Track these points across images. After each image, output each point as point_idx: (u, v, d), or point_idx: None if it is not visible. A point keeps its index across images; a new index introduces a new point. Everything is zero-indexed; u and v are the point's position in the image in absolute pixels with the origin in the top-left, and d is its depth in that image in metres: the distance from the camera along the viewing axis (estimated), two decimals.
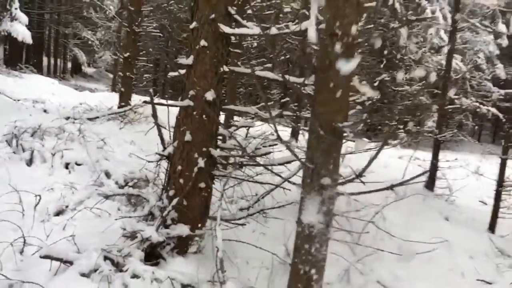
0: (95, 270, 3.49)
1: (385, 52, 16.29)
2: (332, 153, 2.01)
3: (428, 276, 5.35)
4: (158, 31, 13.38)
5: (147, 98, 4.74)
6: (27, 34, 11.78)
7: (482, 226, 8.73)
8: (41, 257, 3.48)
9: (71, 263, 3.52)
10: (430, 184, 10.66)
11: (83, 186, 5.19)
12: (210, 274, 3.81)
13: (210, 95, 4.01)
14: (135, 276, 3.57)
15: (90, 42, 23.14)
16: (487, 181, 10.00)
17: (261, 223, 5.15)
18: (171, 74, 4.72)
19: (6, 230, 4.11)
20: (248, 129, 6.62)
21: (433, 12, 20.80)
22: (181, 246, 4.12)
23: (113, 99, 11.36)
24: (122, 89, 9.55)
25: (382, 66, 13.87)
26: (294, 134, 11.29)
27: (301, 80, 3.64)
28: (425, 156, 13.46)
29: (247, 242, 4.39)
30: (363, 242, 5.61)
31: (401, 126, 16.76)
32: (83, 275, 3.46)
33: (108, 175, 5.65)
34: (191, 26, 4.01)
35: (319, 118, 1.96)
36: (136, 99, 10.64)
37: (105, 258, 3.61)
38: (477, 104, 15.95)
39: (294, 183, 3.49)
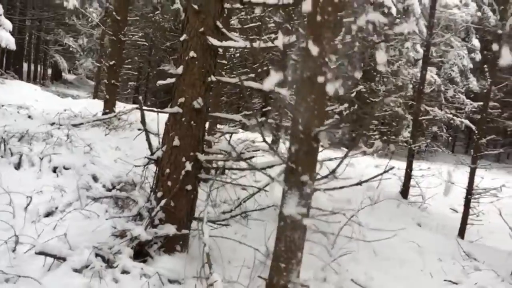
0: (87, 266, 3.71)
1: (362, 64, 16.86)
2: (310, 155, 2.32)
3: (400, 276, 5.70)
4: (142, 40, 13.60)
5: (131, 105, 4.99)
6: (11, 40, 11.83)
7: (452, 232, 9.21)
8: (36, 253, 3.67)
9: (64, 259, 3.72)
10: (404, 192, 11.15)
11: (71, 189, 5.36)
12: (196, 271, 4.07)
13: (198, 103, 4.30)
14: (125, 271, 3.79)
15: (71, 49, 23.12)
16: (459, 190, 10.52)
17: (243, 225, 5.42)
18: (160, 82, 4.97)
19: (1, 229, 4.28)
20: (231, 136, 6.92)
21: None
22: (168, 245, 4.35)
23: (96, 106, 11.50)
24: (107, 96, 9.73)
25: (359, 77, 14.40)
26: (275, 142, 11.60)
27: (284, 90, 3.96)
28: (400, 165, 13.97)
29: (232, 239, 4.65)
30: (339, 245, 5.96)
31: (378, 136, 17.36)
32: (75, 270, 3.67)
33: (95, 178, 5.84)
34: (181, 38, 4.30)
35: (300, 124, 2.27)
36: (120, 106, 10.82)
37: (96, 255, 3.83)
38: (451, 115, 16.67)
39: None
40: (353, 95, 9.88)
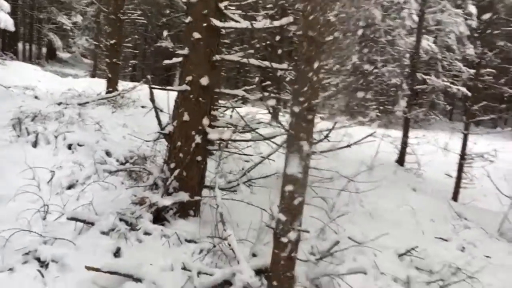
0: (113, 229, 4.25)
1: (360, 33, 17.12)
2: (308, 123, 2.80)
3: (394, 235, 6.26)
4: (141, 18, 13.84)
5: (133, 83, 5.44)
6: (9, 21, 12.06)
7: (446, 195, 9.81)
8: (68, 218, 4.21)
9: (92, 224, 4.26)
10: (400, 160, 11.71)
11: (88, 163, 5.87)
12: (210, 232, 4.63)
13: (204, 81, 4.75)
14: (146, 233, 4.34)
15: (65, 27, 23.23)
16: (454, 157, 11.07)
17: (249, 193, 5.95)
18: (166, 62, 5.41)
19: (26, 202, 4.81)
20: (232, 110, 7.39)
21: None
22: (182, 210, 4.90)
23: (98, 84, 11.89)
24: (109, 75, 10.12)
25: (357, 47, 14.74)
26: (274, 115, 12.08)
27: (284, 66, 4.42)
28: (398, 134, 14.48)
29: (241, 200, 5.18)
30: (337, 208, 6.52)
31: (375, 106, 17.80)
32: (103, 233, 4.22)
33: (108, 154, 6.34)
34: (187, 21, 4.72)
35: (299, 98, 2.74)
36: (121, 84, 11.22)
37: (120, 219, 4.37)
38: (448, 83, 17.08)
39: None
40: (349, 67, 10.28)
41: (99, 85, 11.91)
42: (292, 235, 2.92)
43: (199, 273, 3.43)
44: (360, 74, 11.60)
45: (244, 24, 4.47)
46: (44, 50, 26.24)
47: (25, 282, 3.64)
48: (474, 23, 21.62)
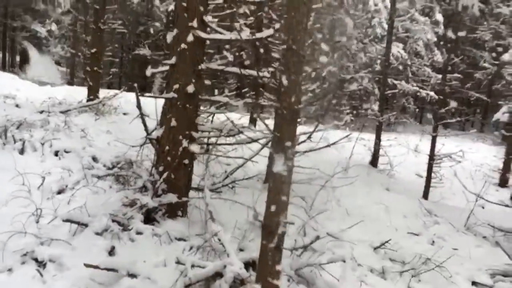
0: (106, 230, 4.46)
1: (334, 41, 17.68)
2: (292, 125, 3.11)
3: (369, 230, 6.66)
4: (121, 27, 13.91)
5: (114, 91, 5.66)
6: None
7: (417, 194, 10.31)
8: (63, 220, 4.40)
9: (86, 225, 4.46)
10: (373, 161, 12.19)
11: (76, 169, 6.04)
12: (197, 231, 4.89)
13: (190, 89, 5.02)
14: (138, 233, 4.57)
15: (39, 35, 23.02)
16: (424, 158, 11.61)
17: (232, 193, 6.23)
18: (152, 70, 5.65)
19: (18, 207, 4.95)
20: (213, 116, 7.67)
21: (375, 3, 22.49)
22: (171, 211, 5.14)
23: (79, 92, 11.95)
24: (90, 83, 10.24)
25: (330, 56, 15.23)
26: (252, 121, 12.38)
27: (265, 74, 4.73)
28: (371, 137, 15.00)
29: (228, 199, 5.45)
30: (316, 206, 6.87)
31: (349, 110, 18.37)
32: (97, 233, 4.42)
33: (95, 159, 6.52)
34: (174, 33, 4.99)
35: (284, 103, 3.06)
36: (101, 92, 11.32)
37: (113, 220, 4.58)
38: (417, 88, 17.80)
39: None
40: (323, 74, 10.72)
41: (79, 93, 11.96)
42: (279, 228, 3.22)
43: (192, 266, 3.69)
44: (334, 80, 12.07)
45: (228, 35, 4.78)
46: (17, 58, 25.86)
47: (25, 282, 3.82)
48: (441, 31, 22.63)
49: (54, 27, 21.88)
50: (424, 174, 11.10)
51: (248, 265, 3.90)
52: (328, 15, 12.69)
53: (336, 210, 7.33)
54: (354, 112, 18.78)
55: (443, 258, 5.52)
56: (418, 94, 17.91)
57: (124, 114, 9.83)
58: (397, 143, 14.66)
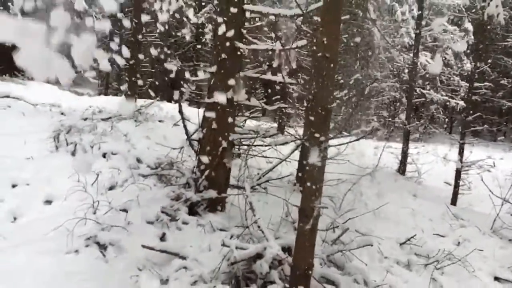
0: (157, 220, 5.12)
1: (360, 52, 18.20)
2: (325, 121, 3.69)
3: (395, 230, 7.12)
4: (157, 39, 14.86)
5: (150, 100, 6.35)
6: None
7: (444, 201, 10.65)
8: (120, 210, 5.08)
9: (139, 214, 5.13)
10: (401, 169, 12.58)
11: (123, 169, 6.76)
12: (236, 223, 5.49)
13: (229, 94, 5.67)
14: (184, 223, 5.21)
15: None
16: (453, 166, 11.94)
17: (267, 192, 6.81)
18: (193, 78, 6.35)
19: (77, 201, 5.67)
20: (245, 121, 8.32)
21: (403, 13, 23.00)
22: (212, 206, 5.77)
23: (115, 102, 12.84)
24: (129, 92, 11.09)
25: (357, 65, 15.75)
26: (280, 129, 12.99)
27: (293, 80, 5.34)
28: (398, 146, 15.37)
29: (266, 193, 6.02)
30: (344, 208, 7.37)
31: (376, 119, 18.75)
32: (148, 222, 5.08)
33: (139, 160, 7.23)
34: (214, 43, 5.67)
35: (318, 102, 3.65)
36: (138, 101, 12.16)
37: (162, 212, 5.24)
38: (446, 97, 18.06)
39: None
40: (351, 82, 11.25)
41: (115, 102, 12.85)
42: (314, 211, 3.78)
43: (236, 248, 4.28)
44: (361, 88, 12.58)
45: (264, 46, 5.42)
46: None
47: (90, 261, 4.49)
48: (471, 40, 22.82)
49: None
50: (453, 182, 11.42)
51: (284, 249, 4.47)
52: (355, 26, 13.25)
53: (363, 211, 7.80)
54: (382, 121, 19.15)
55: (467, 257, 5.94)
56: (448, 103, 18.16)
57: (160, 121, 10.59)
58: (425, 151, 14.97)
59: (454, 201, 10.78)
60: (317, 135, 3.70)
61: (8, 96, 10.21)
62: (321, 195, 3.82)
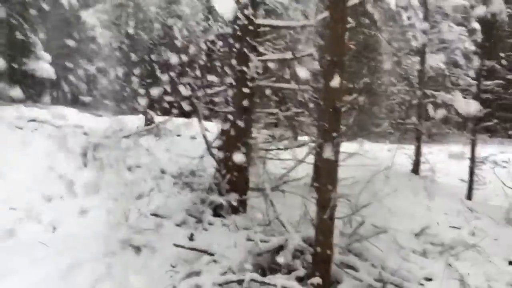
0: (184, 222, 5.53)
1: (368, 57, 18.57)
2: (336, 119, 4.08)
3: (410, 224, 7.39)
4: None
5: (165, 117, 6.87)
6: (51, 70, 13.87)
7: (459, 197, 10.86)
8: (151, 214, 5.52)
9: (168, 218, 5.55)
10: (415, 169, 12.82)
11: (148, 179, 7.21)
12: (259, 222, 5.87)
13: (245, 103, 6.10)
14: (210, 224, 5.61)
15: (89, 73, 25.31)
16: (467, 163, 12.15)
17: (284, 195, 7.17)
18: (210, 91, 6.80)
19: (106, 210, 6.12)
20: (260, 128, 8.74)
21: (408, 18, 23.34)
22: (233, 208, 6.15)
23: (133, 120, 13.39)
24: (147, 111, 11.64)
25: (366, 69, 16.12)
26: (294, 135, 13.33)
27: (307, 87, 5.76)
28: (411, 148, 15.54)
29: (284, 191, 6.40)
30: (360, 206, 7.67)
31: (387, 123, 19.00)
32: (177, 225, 5.50)
33: (163, 171, 7.69)
34: (233, 57, 6.12)
35: (329, 102, 4.05)
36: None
37: (188, 215, 5.65)
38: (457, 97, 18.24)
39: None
40: (360, 86, 11.61)
41: (132, 121, 13.40)
42: (331, 201, 4.15)
43: (260, 241, 4.65)
44: (370, 92, 12.92)
45: (276, 55, 5.86)
46: (68, 95, 28.29)
47: (127, 261, 4.91)
48: (479, 37, 22.98)
49: (102, 64, 23.98)
50: (467, 179, 11.63)
51: (304, 241, 4.82)
52: (360, 33, 13.65)
53: (378, 209, 8.09)
54: (393, 123, 19.40)
55: (481, 244, 6.20)
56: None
57: (178, 135, 11.08)
58: (438, 150, 15.18)
59: (469, 197, 10.98)
60: (329, 131, 4.10)
61: (34, 120, 10.82)
62: (336, 187, 4.19)
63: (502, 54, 17.14)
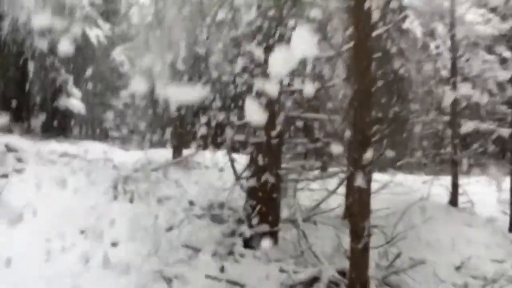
0: (215, 254, 5.59)
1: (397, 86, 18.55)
2: (366, 148, 4.13)
3: (449, 259, 7.21)
4: None
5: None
6: (81, 107, 14.50)
7: (502, 229, 10.52)
8: (182, 246, 5.61)
9: (199, 250, 5.62)
10: (453, 200, 12.53)
11: (178, 211, 7.35)
12: (290, 254, 5.88)
13: (274, 133, 6.23)
14: (241, 255, 5.65)
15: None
16: (508, 194, 11.83)
17: (316, 227, 7.17)
18: (239, 122, 6.98)
19: (137, 242, 6.25)
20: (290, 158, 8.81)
21: (437, 46, 23.42)
22: (264, 239, 6.17)
23: (161, 154, 13.72)
24: (175, 144, 12.00)
25: (395, 99, 16.09)
26: (323, 169, 13.32)
27: (337, 116, 5.85)
28: (448, 179, 15.20)
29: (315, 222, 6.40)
30: (396, 238, 7.55)
31: (421, 153, 18.73)
32: (208, 257, 5.56)
33: (192, 203, 7.83)
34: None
35: (358, 131, 4.13)
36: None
37: (219, 246, 5.71)
38: (493, 127, 17.92)
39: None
40: (390, 115, 11.61)
41: (159, 154, 13.72)
42: (365, 231, 4.16)
43: (293, 272, 4.66)
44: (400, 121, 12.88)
45: (299, 87, 6.03)
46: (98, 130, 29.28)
47: None
48: (510, 67, 22.73)
49: (128, 99, 24.87)
50: (509, 210, 11.27)
51: (339, 273, 4.80)
52: (388, 62, 13.75)
53: (416, 241, 7.94)
54: (427, 153, 19.13)
55: None
56: (496, 133, 17.97)
57: (206, 167, 11.28)
58: (475, 181, 14.83)
59: (511, 229, 10.61)
60: (359, 160, 4.16)
61: (66, 154, 11.24)
62: (369, 217, 4.20)
63: None
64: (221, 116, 8.48)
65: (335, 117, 6.65)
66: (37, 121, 15.87)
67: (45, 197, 7.44)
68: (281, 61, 2.33)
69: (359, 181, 4.15)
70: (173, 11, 5.82)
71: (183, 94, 3.14)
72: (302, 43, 2.28)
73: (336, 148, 5.35)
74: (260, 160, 6.26)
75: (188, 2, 5.91)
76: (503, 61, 22.65)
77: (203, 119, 9.68)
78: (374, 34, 4.37)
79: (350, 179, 4.26)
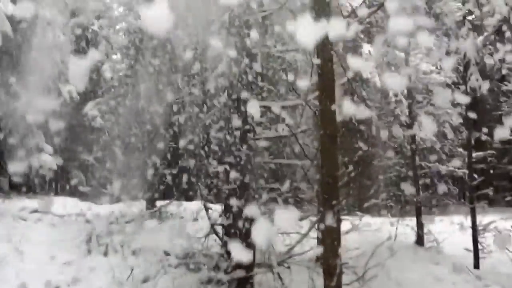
0: None
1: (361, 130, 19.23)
2: (334, 188, 4.35)
3: None
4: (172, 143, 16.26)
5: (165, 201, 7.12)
6: (53, 162, 14.33)
7: (467, 265, 10.79)
8: None
9: None
10: (419, 240, 12.82)
11: (153, 262, 7.26)
12: None
13: (247, 179, 6.39)
14: None
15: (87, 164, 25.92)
16: (470, 233, 12.23)
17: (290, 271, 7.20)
18: (210, 171, 7.11)
19: None
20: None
21: (395, 95, 24.46)
22: (241, 284, 6.18)
23: (135, 206, 13.56)
24: (149, 196, 11.92)
25: (359, 143, 16.65)
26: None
27: (307, 161, 6.08)
28: (413, 219, 15.58)
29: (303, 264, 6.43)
30: (367, 278, 7.66)
31: (385, 196, 19.20)
32: None
33: (167, 253, 7.74)
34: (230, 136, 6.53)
35: (326, 173, 4.36)
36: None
37: None
38: (452, 168, 18.67)
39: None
40: (355, 159, 12.02)
41: (134, 206, 13.56)
42: (337, 269, 4.29)
43: None
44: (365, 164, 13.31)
45: (273, 134, 6.29)
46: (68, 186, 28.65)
47: None
48: (463, 111, 24.01)
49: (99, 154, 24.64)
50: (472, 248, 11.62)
51: None
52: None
53: (386, 280, 8.07)
54: (392, 195, 19.62)
55: None
56: (455, 174, 18.72)
57: (181, 217, 11.25)
58: (439, 220, 15.25)
59: (476, 265, 10.91)
60: (329, 200, 4.35)
61: (36, 211, 10.98)
62: (340, 255, 4.35)
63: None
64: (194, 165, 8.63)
65: (304, 162, 6.90)
66: (6, 178, 15.55)
67: (15, 254, 7.24)
68: None
69: (329, 219, 4.33)
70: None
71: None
72: None
73: (307, 192, 5.55)
74: (235, 206, 6.36)
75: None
76: (456, 105, 23.88)
77: (175, 170, 9.79)
78: (338, 83, 4.71)
79: (321, 220, 4.43)
